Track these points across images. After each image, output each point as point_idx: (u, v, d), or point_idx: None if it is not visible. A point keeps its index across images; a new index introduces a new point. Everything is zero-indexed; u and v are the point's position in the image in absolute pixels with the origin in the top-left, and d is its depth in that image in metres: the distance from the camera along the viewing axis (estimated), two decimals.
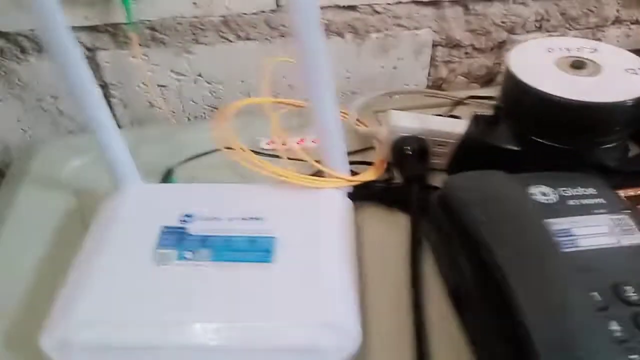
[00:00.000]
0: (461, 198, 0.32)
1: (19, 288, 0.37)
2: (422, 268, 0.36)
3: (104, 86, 0.57)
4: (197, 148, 0.49)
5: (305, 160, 0.40)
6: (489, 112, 0.43)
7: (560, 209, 0.33)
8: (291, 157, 0.42)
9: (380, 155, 0.44)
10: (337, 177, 0.39)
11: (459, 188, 0.33)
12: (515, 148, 0.40)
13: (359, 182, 0.40)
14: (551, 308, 0.26)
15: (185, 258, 0.34)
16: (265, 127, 0.48)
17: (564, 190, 0.35)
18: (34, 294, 0.37)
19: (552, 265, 0.27)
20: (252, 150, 0.43)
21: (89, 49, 0.54)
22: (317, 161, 0.39)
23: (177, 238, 0.35)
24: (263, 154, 0.45)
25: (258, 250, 0.34)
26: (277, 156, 0.44)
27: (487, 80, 0.65)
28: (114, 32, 0.53)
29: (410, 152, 0.41)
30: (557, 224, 0.31)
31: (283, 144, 0.46)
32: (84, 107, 0.36)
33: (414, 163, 0.41)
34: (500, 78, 0.64)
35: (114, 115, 0.60)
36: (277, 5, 0.54)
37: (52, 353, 0.29)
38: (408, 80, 0.62)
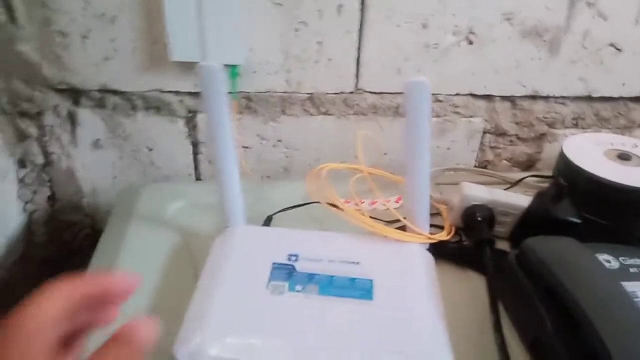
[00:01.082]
0: (542, 258, 0.38)
1: (140, 311, 0.41)
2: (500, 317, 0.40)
3: (195, 144, 0.65)
4: (278, 202, 0.55)
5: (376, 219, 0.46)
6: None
7: (624, 274, 0.39)
8: (373, 215, 0.48)
9: (450, 219, 0.51)
10: (421, 234, 0.45)
11: (538, 250, 0.39)
12: (576, 220, 0.46)
13: (437, 240, 0.46)
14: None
15: (296, 290, 0.39)
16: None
17: (623, 259, 0.41)
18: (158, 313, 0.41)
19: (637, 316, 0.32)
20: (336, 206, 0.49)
21: (190, 111, 0.62)
22: (404, 218, 0.45)
23: (286, 273, 0.40)
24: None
25: (359, 289, 0.39)
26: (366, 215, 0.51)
27: (527, 165, 0.72)
28: None
29: (481, 219, 0.47)
30: (628, 286, 0.37)
31: (357, 204, 0.53)
32: (219, 156, 0.43)
33: (484, 228, 0.47)
34: (539, 165, 0.72)
35: (197, 169, 0.67)
36: (356, 88, 0.63)
37: None
38: (458, 160, 0.70)
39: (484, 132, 0.69)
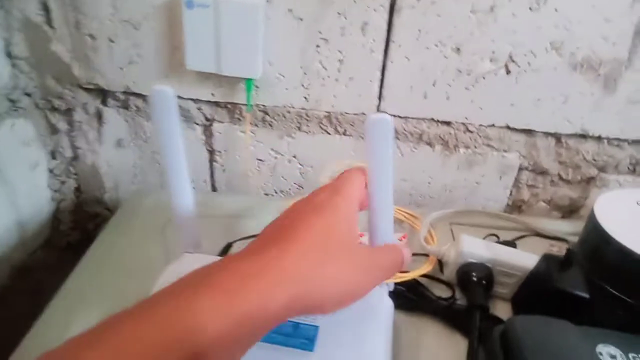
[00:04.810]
0: (525, 345, 0.33)
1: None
2: None
3: (212, 152, 0.64)
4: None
5: None
6: (560, 253, 0.43)
7: None
8: None
9: (445, 275, 0.46)
10: None
11: (523, 332, 0.34)
12: (584, 295, 0.40)
13: (400, 279, 0.42)
14: None
15: None
16: None
17: (633, 356, 0.34)
18: None
19: None
20: None
21: (207, 119, 0.62)
22: None
23: None
24: None
25: (302, 337, 0.36)
26: None
27: (569, 211, 0.64)
28: (232, 110, 0.61)
29: (476, 280, 0.42)
30: None
31: None
32: (170, 171, 0.41)
33: (478, 290, 0.42)
34: (583, 212, 0.64)
35: (213, 178, 0.67)
36: (377, 110, 0.59)
37: None
38: (488, 197, 0.64)
39: (520, 169, 0.62)
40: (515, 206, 0.65)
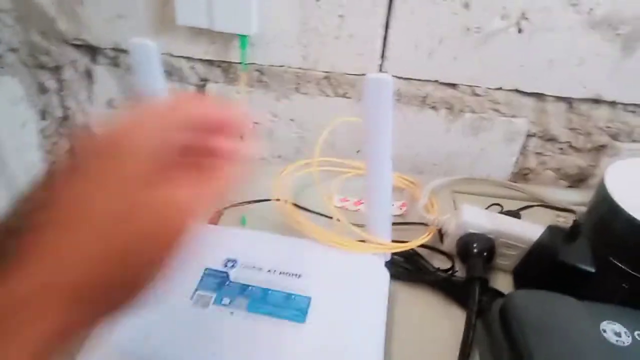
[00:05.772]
0: (525, 321, 0.31)
1: None
2: None
3: None
4: (264, 191, 0.49)
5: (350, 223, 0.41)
6: (567, 224, 0.41)
7: (633, 355, 0.31)
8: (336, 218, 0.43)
9: (444, 245, 0.44)
10: (374, 243, 0.39)
11: (524, 307, 0.32)
12: (590, 269, 0.38)
13: (396, 249, 0.40)
14: None
15: (222, 304, 0.35)
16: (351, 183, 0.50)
17: (639, 334, 0.33)
18: None
19: None
20: (303, 208, 0.44)
21: (201, 79, 0.59)
22: (356, 224, 0.40)
23: (217, 282, 0.36)
24: (314, 212, 0.46)
25: (293, 308, 0.35)
26: (326, 215, 0.46)
27: (577, 180, 0.62)
28: (227, 69, 0.58)
29: (477, 251, 0.40)
30: None
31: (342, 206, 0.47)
32: None
33: (478, 263, 0.40)
34: (592, 181, 0.61)
35: None
36: (380, 71, 0.56)
37: None
38: (493, 164, 0.61)
39: (528, 135, 0.59)
40: (521, 174, 0.62)
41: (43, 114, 0.64)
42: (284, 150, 0.64)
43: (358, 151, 0.62)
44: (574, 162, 0.60)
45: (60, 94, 0.62)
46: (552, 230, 0.40)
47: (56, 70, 0.60)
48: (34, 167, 0.64)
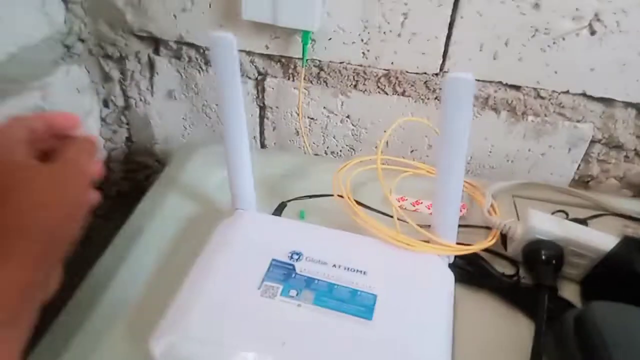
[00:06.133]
0: (606, 333, 0.30)
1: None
2: None
3: (262, 108, 0.62)
4: (320, 186, 0.50)
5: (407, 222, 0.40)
6: (637, 234, 0.40)
7: None
8: (400, 218, 0.42)
9: (509, 251, 0.43)
10: (441, 244, 0.39)
11: (604, 318, 0.31)
12: None
13: (462, 252, 0.39)
14: None
15: (289, 295, 0.35)
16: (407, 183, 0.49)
17: None
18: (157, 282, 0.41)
19: None
20: (364, 205, 0.44)
21: (260, 73, 0.60)
22: (422, 226, 0.39)
23: (284, 274, 0.37)
24: (375, 210, 0.46)
25: (359, 304, 0.34)
26: (388, 215, 0.45)
27: None
28: (286, 64, 0.58)
29: (545, 258, 0.39)
30: None
31: (399, 205, 0.47)
32: (228, 123, 0.40)
33: (548, 270, 0.39)
34: None
35: (262, 135, 0.65)
36: (440, 70, 0.55)
37: (159, 358, 0.32)
38: (553, 170, 0.59)
39: (592, 142, 0.57)
40: (582, 182, 0.60)
41: (106, 103, 0.66)
42: (337, 147, 0.64)
43: (412, 151, 0.62)
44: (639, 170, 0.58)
45: (123, 83, 0.64)
46: (628, 240, 0.38)
47: (120, 60, 0.62)
48: None
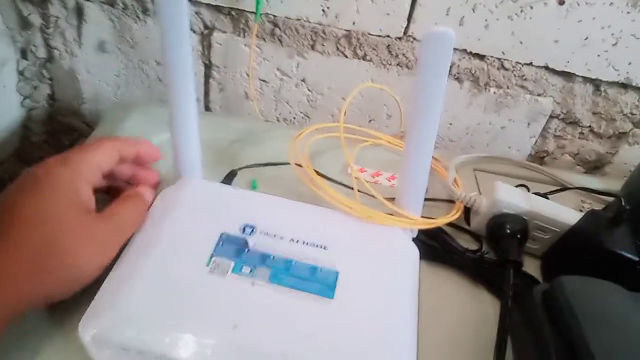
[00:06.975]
0: (576, 307, 0.28)
1: None
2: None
3: (208, 66, 0.56)
4: (273, 154, 0.46)
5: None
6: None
7: None
8: (362, 190, 0.39)
9: (473, 225, 0.41)
10: (406, 217, 0.36)
11: (574, 294, 0.29)
12: (634, 258, 0.35)
13: (428, 225, 0.37)
14: None
15: (242, 272, 0.31)
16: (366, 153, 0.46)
17: None
18: None
19: None
20: (323, 175, 0.41)
21: (206, 27, 0.54)
22: (388, 198, 0.36)
23: (235, 249, 0.32)
24: (334, 181, 0.43)
25: (320, 281, 0.31)
26: (348, 186, 0.42)
27: (593, 167, 0.60)
28: (237, 18, 0.52)
29: (510, 233, 0.38)
30: None
31: (356, 176, 0.43)
32: (173, 84, 0.34)
33: (512, 245, 0.37)
34: (609, 169, 0.59)
35: (207, 97, 0.59)
36: (404, 34, 0.52)
37: (88, 344, 0.27)
38: (511, 144, 0.58)
39: (551, 117, 0.56)
40: (538, 157, 0.60)
41: (24, 53, 0.57)
42: (290, 113, 0.59)
43: (370, 120, 0.58)
44: (593, 147, 0.58)
45: (45, 32, 0.55)
46: (593, 215, 0.37)
47: (42, 3, 0.53)
48: (9, 112, 0.58)
